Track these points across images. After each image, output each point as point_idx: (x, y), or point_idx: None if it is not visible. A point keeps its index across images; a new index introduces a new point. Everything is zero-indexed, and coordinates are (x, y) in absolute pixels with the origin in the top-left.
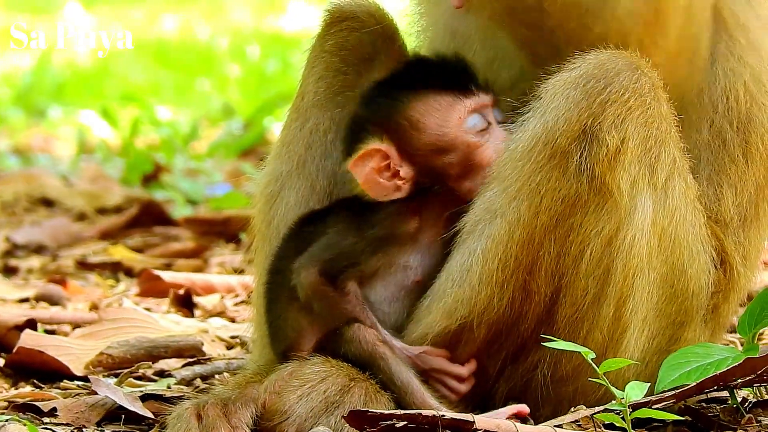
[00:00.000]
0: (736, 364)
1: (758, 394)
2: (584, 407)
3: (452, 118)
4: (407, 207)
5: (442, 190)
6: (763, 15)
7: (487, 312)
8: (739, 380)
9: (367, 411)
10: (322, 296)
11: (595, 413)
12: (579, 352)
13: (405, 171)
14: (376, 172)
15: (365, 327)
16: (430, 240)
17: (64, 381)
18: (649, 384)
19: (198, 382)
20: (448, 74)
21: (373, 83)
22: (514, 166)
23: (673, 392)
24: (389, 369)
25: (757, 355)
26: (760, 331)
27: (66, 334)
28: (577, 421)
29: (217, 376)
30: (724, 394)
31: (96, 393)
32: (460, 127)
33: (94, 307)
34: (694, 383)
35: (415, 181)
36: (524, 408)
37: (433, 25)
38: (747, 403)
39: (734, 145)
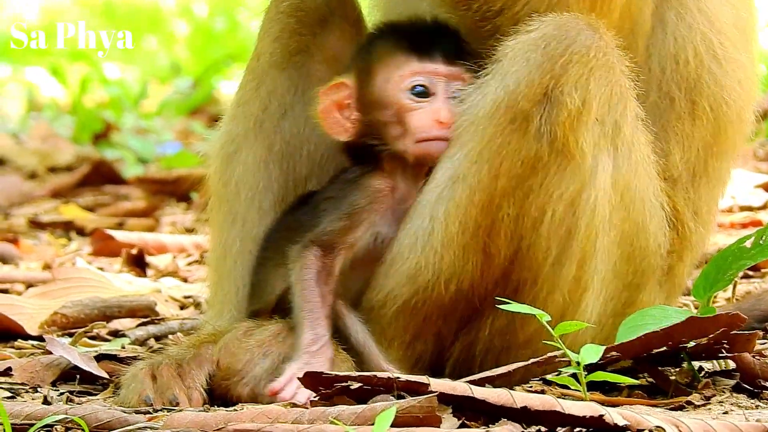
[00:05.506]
0: (680, 321)
1: (716, 365)
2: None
3: (395, 76)
4: (379, 174)
5: (385, 152)
6: None
7: (447, 276)
8: (692, 342)
9: (323, 372)
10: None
11: (533, 363)
12: (535, 315)
13: (354, 113)
14: (335, 105)
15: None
16: (402, 209)
17: (19, 341)
18: (604, 347)
19: (152, 342)
20: (418, 36)
21: (383, 25)
22: (475, 131)
23: (620, 350)
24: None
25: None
26: (715, 294)
27: (19, 294)
28: (529, 383)
29: (170, 336)
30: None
31: (51, 353)
32: (399, 86)
33: (47, 267)
34: (638, 337)
35: (359, 130)
36: None
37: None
38: (704, 373)
39: (681, 105)
